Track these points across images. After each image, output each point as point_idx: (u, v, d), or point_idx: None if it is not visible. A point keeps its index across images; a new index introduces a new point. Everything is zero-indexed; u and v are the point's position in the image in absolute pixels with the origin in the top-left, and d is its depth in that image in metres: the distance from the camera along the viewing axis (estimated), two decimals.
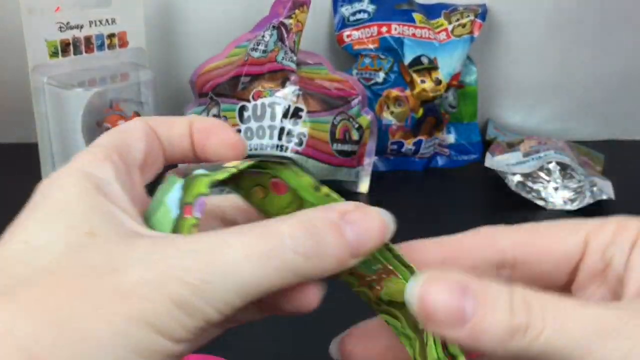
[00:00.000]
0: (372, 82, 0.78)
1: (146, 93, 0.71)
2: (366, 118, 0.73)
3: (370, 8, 0.80)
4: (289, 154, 0.68)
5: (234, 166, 0.24)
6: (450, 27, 0.80)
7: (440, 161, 0.82)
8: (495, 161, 0.74)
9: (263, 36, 0.70)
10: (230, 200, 0.28)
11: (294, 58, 0.71)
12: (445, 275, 0.22)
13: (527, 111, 0.89)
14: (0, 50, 0.81)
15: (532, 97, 0.89)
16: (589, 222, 0.26)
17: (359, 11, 0.80)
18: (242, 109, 0.70)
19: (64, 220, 0.22)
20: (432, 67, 0.78)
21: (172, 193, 0.23)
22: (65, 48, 0.68)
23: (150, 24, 0.77)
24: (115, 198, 0.23)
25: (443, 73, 0.77)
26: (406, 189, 0.75)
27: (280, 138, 0.69)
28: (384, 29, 0.79)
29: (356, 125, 0.72)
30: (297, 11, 0.71)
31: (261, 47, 0.70)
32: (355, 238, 0.22)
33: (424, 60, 0.78)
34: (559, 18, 0.85)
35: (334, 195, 0.25)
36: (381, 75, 0.78)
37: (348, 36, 0.80)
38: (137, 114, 0.71)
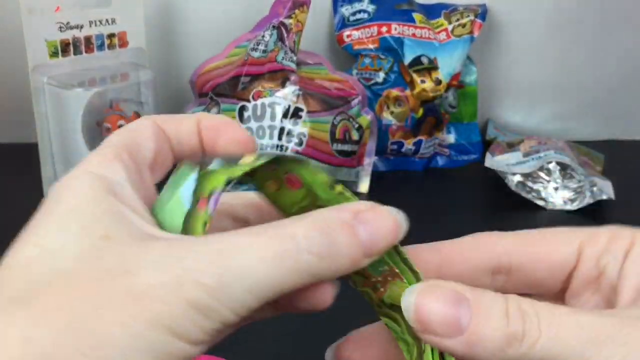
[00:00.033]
0: (372, 82, 0.78)
1: (146, 93, 0.71)
2: (366, 118, 0.73)
3: (370, 8, 0.80)
4: (289, 154, 0.68)
5: (249, 163, 0.24)
6: (450, 27, 0.80)
7: (440, 161, 0.82)
8: (495, 161, 0.74)
9: (263, 36, 0.70)
10: (242, 198, 0.28)
11: (294, 58, 0.71)
12: (441, 285, 0.22)
13: (527, 111, 0.89)
14: (0, 50, 0.81)
15: (532, 97, 0.89)
16: (583, 230, 0.26)
17: (359, 11, 0.80)
18: (242, 109, 0.70)
19: (77, 223, 0.22)
20: (432, 67, 0.78)
21: (186, 185, 0.23)
22: (65, 48, 0.68)
23: (150, 24, 0.77)
24: (128, 199, 0.23)
25: (443, 73, 0.77)
26: (406, 189, 0.75)
27: (280, 138, 0.69)
28: (384, 29, 0.79)
29: (356, 125, 0.72)
30: (297, 11, 0.71)
31: (261, 47, 0.70)
32: (368, 238, 0.23)
33: (424, 60, 0.78)
34: (559, 18, 0.85)
35: (348, 193, 0.25)
36: (381, 75, 0.78)
37: (348, 36, 0.80)
38: (137, 114, 0.71)
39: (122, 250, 0.21)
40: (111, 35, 0.70)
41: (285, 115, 0.69)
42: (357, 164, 0.73)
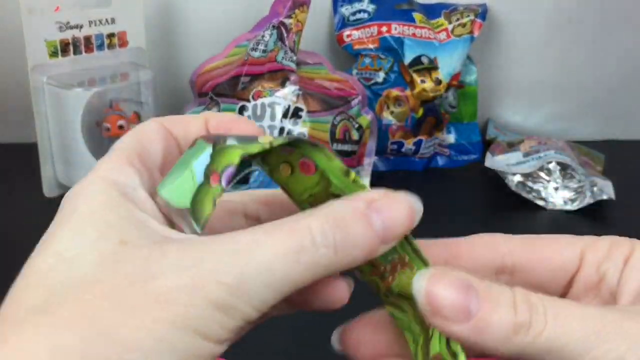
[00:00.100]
0: (372, 82, 0.78)
1: (146, 93, 0.71)
2: (366, 118, 0.73)
3: (370, 8, 0.80)
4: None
5: (268, 142, 0.24)
6: (450, 27, 0.80)
7: (440, 161, 0.82)
8: (495, 161, 0.74)
9: (263, 36, 0.70)
10: (252, 196, 0.29)
11: (294, 58, 0.71)
12: (450, 273, 0.22)
13: (527, 111, 0.89)
14: (0, 50, 0.81)
15: (532, 97, 0.89)
16: (585, 237, 0.27)
17: (359, 11, 0.80)
18: (242, 109, 0.70)
19: (94, 230, 0.22)
20: (432, 67, 0.77)
21: (200, 159, 0.23)
22: (65, 48, 0.68)
23: (150, 24, 0.77)
24: (142, 203, 0.24)
25: (443, 73, 0.77)
26: (406, 189, 0.75)
27: None
28: (384, 29, 0.79)
29: (356, 125, 0.72)
30: (297, 11, 0.71)
31: (261, 47, 0.70)
32: (383, 225, 0.23)
33: (424, 60, 0.78)
34: (559, 18, 0.85)
35: (361, 182, 0.25)
36: (381, 75, 0.78)
37: (348, 36, 0.80)
38: (137, 114, 0.71)
39: (141, 255, 0.22)
40: (111, 35, 0.70)
41: (285, 115, 0.69)
42: (357, 164, 0.73)
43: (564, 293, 0.27)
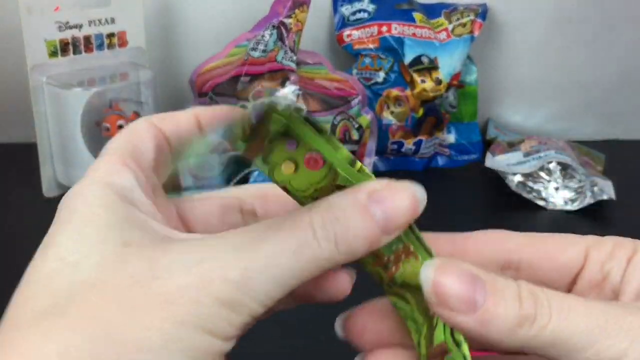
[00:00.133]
0: (372, 82, 0.78)
1: (146, 93, 0.71)
2: (366, 118, 0.73)
3: (371, 7, 0.80)
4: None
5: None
6: (450, 27, 0.80)
7: (440, 161, 0.82)
8: (495, 161, 0.74)
9: (263, 36, 0.70)
10: (247, 190, 0.29)
11: (294, 58, 0.70)
12: (458, 263, 0.23)
13: (528, 111, 0.89)
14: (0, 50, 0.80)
15: (533, 97, 0.89)
16: (589, 237, 0.27)
17: (359, 11, 0.80)
18: None
19: (95, 233, 0.22)
20: (433, 66, 0.77)
21: (214, 134, 0.22)
22: (64, 48, 0.68)
23: (150, 23, 0.77)
24: (140, 204, 0.24)
25: (443, 73, 0.77)
26: None
27: None
28: (384, 29, 0.79)
29: (356, 125, 0.72)
30: (297, 11, 0.70)
31: (261, 47, 0.70)
32: (384, 216, 0.23)
33: (424, 60, 0.78)
34: (559, 18, 0.85)
35: (367, 170, 0.25)
36: (381, 75, 0.78)
37: (348, 36, 0.79)
38: (137, 114, 0.71)
39: (144, 256, 0.22)
40: (110, 35, 0.70)
41: None
42: None
43: (567, 290, 0.27)
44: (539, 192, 0.70)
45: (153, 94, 0.71)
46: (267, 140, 0.23)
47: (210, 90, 0.72)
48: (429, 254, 0.25)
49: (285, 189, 0.26)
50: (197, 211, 0.28)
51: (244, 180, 0.63)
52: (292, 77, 0.70)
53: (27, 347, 0.20)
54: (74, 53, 0.68)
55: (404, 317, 0.26)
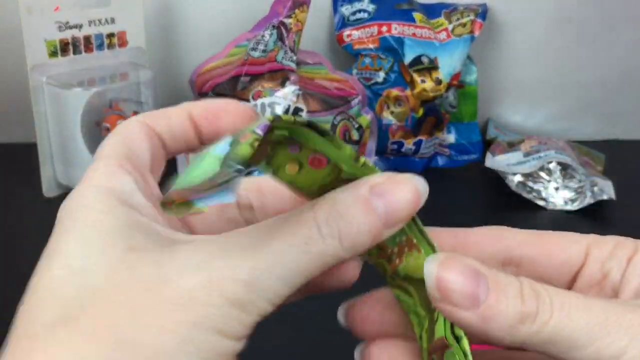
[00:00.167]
0: (372, 81, 0.78)
1: (146, 93, 0.71)
2: (366, 118, 0.73)
3: (371, 7, 0.80)
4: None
5: (289, 117, 0.22)
6: (450, 27, 0.80)
7: (440, 161, 0.82)
8: (495, 161, 0.74)
9: (263, 36, 0.70)
10: (242, 184, 0.29)
11: (294, 58, 0.70)
12: (462, 258, 0.23)
13: (528, 111, 0.89)
14: None
15: (533, 97, 0.89)
16: (590, 236, 0.27)
17: (359, 11, 0.80)
18: None
19: (100, 239, 0.22)
20: (433, 66, 0.77)
21: (218, 147, 0.20)
22: (64, 48, 0.68)
23: (150, 23, 0.77)
24: (141, 207, 0.23)
25: (443, 73, 0.77)
26: None
27: None
28: (384, 29, 0.79)
29: (356, 125, 0.72)
30: (297, 11, 0.70)
31: (261, 47, 0.70)
32: (386, 210, 0.23)
33: (424, 60, 0.78)
34: (559, 18, 0.85)
35: (370, 164, 0.25)
36: (381, 75, 0.78)
37: (348, 36, 0.79)
38: (137, 114, 0.71)
39: (151, 259, 0.21)
40: (110, 35, 0.70)
41: None
42: None
43: (567, 288, 0.27)
44: (539, 192, 0.70)
45: (153, 94, 0.71)
46: (270, 146, 0.23)
47: (210, 90, 0.72)
48: (432, 247, 0.25)
49: (291, 187, 0.26)
50: None
51: None
52: (292, 77, 0.70)
53: (44, 357, 0.20)
54: (74, 53, 0.68)
55: (407, 310, 0.26)
